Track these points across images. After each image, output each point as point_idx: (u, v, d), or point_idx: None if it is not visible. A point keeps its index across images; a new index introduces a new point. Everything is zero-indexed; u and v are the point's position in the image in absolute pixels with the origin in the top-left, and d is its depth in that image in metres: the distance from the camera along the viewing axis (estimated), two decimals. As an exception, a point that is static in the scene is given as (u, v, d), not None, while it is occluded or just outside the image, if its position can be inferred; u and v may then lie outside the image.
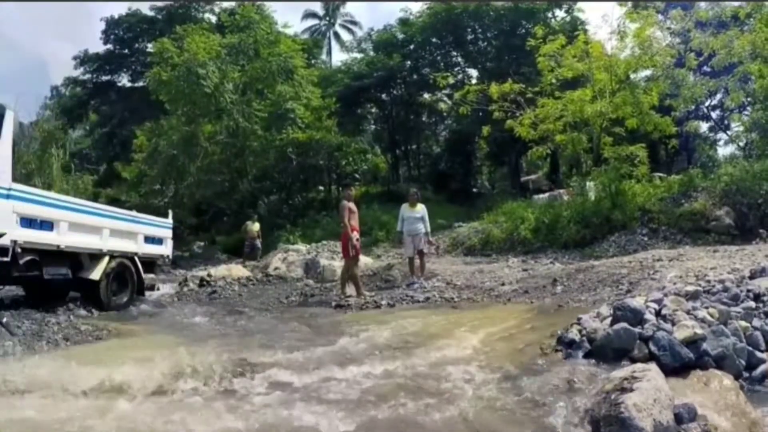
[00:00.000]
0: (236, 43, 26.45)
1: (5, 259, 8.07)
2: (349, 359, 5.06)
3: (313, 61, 35.36)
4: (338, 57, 46.55)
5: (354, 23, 49.27)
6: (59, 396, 4.18)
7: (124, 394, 4.29)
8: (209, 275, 14.34)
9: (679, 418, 3.32)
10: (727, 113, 26.00)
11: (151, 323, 8.95)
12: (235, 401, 4.18)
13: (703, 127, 31.07)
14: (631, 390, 3.31)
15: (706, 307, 4.88)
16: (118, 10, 37.70)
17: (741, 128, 20.51)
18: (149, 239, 11.71)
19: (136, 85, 38.23)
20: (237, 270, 15.19)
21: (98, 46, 38.74)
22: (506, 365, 4.58)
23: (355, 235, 10.68)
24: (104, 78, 39.10)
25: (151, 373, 4.69)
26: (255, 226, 19.97)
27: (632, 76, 19.37)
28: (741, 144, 20.71)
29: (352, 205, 11.00)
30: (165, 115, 27.91)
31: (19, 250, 8.27)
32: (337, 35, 49.42)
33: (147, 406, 4.12)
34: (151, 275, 11.81)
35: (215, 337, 6.96)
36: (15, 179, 8.52)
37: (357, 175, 32.12)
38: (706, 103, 29.59)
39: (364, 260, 13.38)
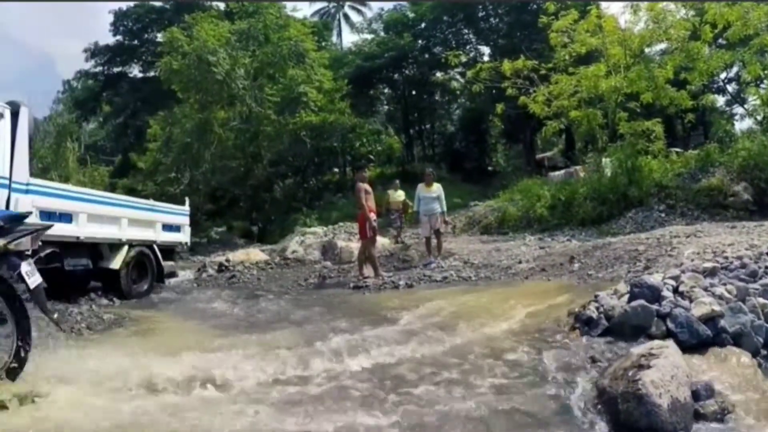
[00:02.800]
0: (245, 29, 26.42)
1: (27, 253, 8.20)
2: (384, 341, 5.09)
3: (323, 44, 35.24)
4: (349, 38, 46.50)
5: (363, 4, 48.98)
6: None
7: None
8: (227, 260, 14.44)
9: (696, 395, 3.33)
10: (744, 86, 25.61)
11: (173, 310, 9.04)
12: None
13: (720, 100, 30.77)
14: (649, 367, 3.33)
15: (724, 284, 4.87)
16: (126, 2, 37.60)
17: (758, 102, 20.17)
18: (167, 227, 11.82)
19: (147, 75, 38.35)
20: (255, 254, 15.28)
21: (106, 39, 38.85)
22: (524, 342, 4.60)
23: (373, 216, 10.70)
24: (115, 70, 39.25)
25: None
26: (399, 196, 16.22)
27: (646, 50, 19.13)
28: (758, 118, 20.40)
29: (367, 186, 11.01)
30: (178, 104, 27.98)
31: (39, 243, 8.41)
32: (346, 17, 49.09)
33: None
34: (170, 262, 11.91)
35: (245, 324, 7.02)
36: (32, 174, 8.65)
37: (371, 157, 32.10)
38: (722, 77, 29.27)
39: (381, 241, 13.41)
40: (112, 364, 4.60)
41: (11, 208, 7.98)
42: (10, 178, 8.05)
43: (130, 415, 3.58)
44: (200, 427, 3.40)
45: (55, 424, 3.41)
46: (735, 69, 27.07)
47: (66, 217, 9.06)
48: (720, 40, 20.35)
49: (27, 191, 8.28)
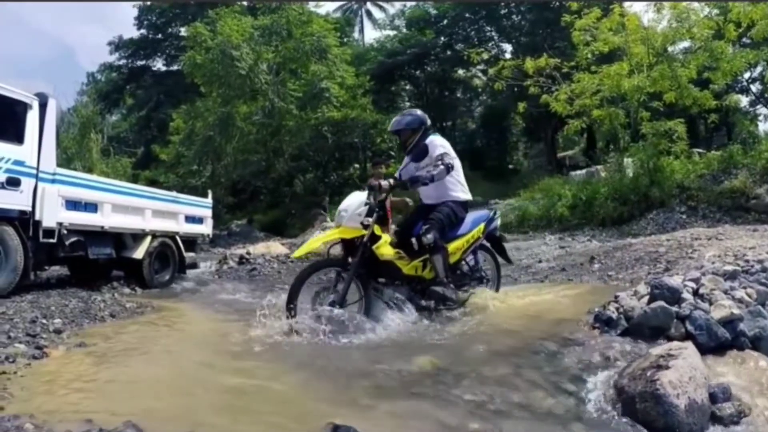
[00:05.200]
0: (269, 25, 26.56)
1: (52, 240, 8.41)
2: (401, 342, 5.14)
3: (345, 40, 35.32)
4: (371, 35, 46.57)
5: (386, 0, 48.94)
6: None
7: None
8: (248, 253, 14.56)
9: (713, 398, 3.35)
10: (768, 86, 25.37)
11: (194, 300, 9.15)
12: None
13: (744, 101, 30.45)
14: (667, 367, 3.35)
15: (744, 288, 4.85)
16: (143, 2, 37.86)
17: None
18: (189, 219, 11.98)
19: (171, 69, 38.76)
20: (275, 247, 15.38)
21: (127, 30, 39.40)
22: (544, 340, 4.63)
23: None
24: (139, 63, 39.75)
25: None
26: None
27: (669, 48, 18.99)
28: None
29: (382, 181, 11.05)
30: (200, 98, 28.23)
31: (65, 231, 8.64)
32: (369, 13, 49.15)
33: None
34: (192, 254, 12.08)
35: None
36: (57, 164, 8.83)
37: (392, 153, 32.12)
38: (746, 76, 28.95)
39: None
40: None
41: (38, 197, 8.15)
42: (37, 168, 8.23)
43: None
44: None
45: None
46: (759, 69, 26.79)
47: (91, 207, 9.27)
48: (744, 39, 20.14)
49: (53, 181, 8.49)
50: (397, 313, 5.49)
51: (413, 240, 5.75)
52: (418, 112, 6.36)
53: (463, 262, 6.29)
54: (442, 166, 5.68)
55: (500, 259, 6.89)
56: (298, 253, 6.22)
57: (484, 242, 6.53)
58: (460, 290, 6.05)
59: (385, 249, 5.65)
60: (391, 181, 5.81)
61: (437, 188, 6.00)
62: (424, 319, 5.51)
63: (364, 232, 5.53)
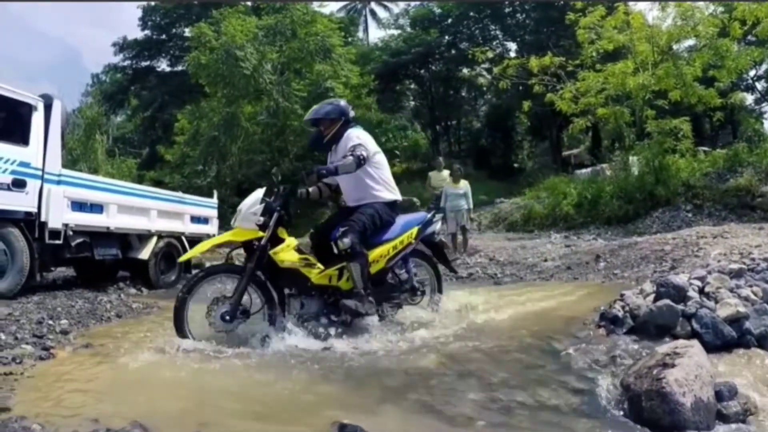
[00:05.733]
0: (273, 25, 26.54)
1: (58, 241, 8.45)
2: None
3: (350, 39, 35.29)
4: (375, 34, 46.42)
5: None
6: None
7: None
8: (254, 252, 14.50)
9: (719, 396, 3.34)
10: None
11: (200, 300, 9.16)
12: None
13: (749, 99, 30.38)
14: (673, 366, 3.34)
15: (750, 286, 4.84)
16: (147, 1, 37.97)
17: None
18: (195, 219, 12.02)
19: (175, 69, 38.84)
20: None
21: (132, 32, 39.44)
22: (549, 339, 4.63)
23: None
24: (143, 64, 39.85)
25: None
26: (443, 177, 14.13)
27: (674, 46, 18.96)
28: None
29: None
30: (205, 98, 28.26)
31: (70, 232, 8.68)
32: (373, 12, 49.06)
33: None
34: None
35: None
36: (63, 165, 8.86)
37: (397, 152, 32.11)
38: (751, 74, 28.87)
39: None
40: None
41: (44, 198, 8.19)
42: (43, 169, 8.27)
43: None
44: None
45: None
46: (764, 66, 26.74)
47: (97, 208, 9.31)
48: (749, 37, 20.09)
49: (59, 182, 8.53)
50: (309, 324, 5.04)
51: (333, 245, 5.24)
52: (341, 102, 5.84)
53: (392, 272, 5.65)
54: (351, 158, 5.10)
55: (443, 268, 6.27)
56: (184, 257, 5.69)
57: (425, 249, 6.02)
58: (388, 303, 5.52)
59: (286, 254, 5.10)
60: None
61: (358, 187, 5.52)
62: (333, 339, 4.84)
63: (261, 234, 5.02)
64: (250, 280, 4.95)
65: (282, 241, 5.13)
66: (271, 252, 5.00)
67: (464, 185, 12.46)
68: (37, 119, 8.29)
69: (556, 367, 4.02)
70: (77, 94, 41.06)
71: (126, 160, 35.11)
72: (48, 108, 8.51)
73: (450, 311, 5.83)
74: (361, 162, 5.13)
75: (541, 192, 19.68)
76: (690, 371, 3.29)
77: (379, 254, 5.38)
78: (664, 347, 3.73)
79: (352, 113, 5.75)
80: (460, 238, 12.34)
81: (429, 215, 5.94)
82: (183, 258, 5.36)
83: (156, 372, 4.07)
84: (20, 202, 7.86)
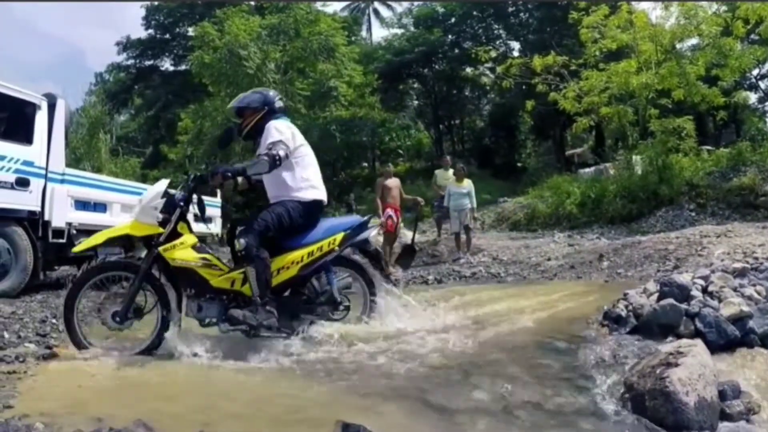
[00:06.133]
0: (276, 24, 26.53)
1: (61, 240, 8.47)
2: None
3: (353, 39, 35.27)
4: (378, 33, 46.51)
5: (393, -1, 48.86)
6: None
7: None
8: (258, 251, 14.47)
9: (723, 395, 3.34)
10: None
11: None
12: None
13: (752, 97, 30.35)
14: (677, 365, 3.34)
15: (754, 285, 4.84)
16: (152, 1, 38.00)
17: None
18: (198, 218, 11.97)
19: (178, 68, 38.85)
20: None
21: (136, 31, 39.47)
22: (553, 338, 4.63)
23: (387, 212, 10.79)
24: (147, 63, 39.87)
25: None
26: (448, 176, 14.00)
27: (678, 45, 18.92)
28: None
29: (389, 181, 11.12)
30: (208, 97, 28.24)
31: (74, 231, 8.69)
32: (376, 12, 49.01)
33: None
34: (201, 253, 12.04)
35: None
36: (66, 164, 8.89)
37: (401, 151, 32.14)
38: (755, 73, 28.83)
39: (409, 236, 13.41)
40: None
41: (47, 197, 8.20)
42: (46, 168, 8.29)
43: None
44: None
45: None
46: (768, 65, 26.69)
47: (100, 207, 9.34)
48: (752, 36, 20.05)
49: (63, 181, 8.57)
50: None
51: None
52: (269, 92, 5.41)
53: (309, 282, 5.03)
54: (265, 158, 4.65)
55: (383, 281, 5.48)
56: (78, 248, 4.97)
57: (358, 258, 5.45)
58: (306, 316, 4.94)
59: (180, 253, 4.61)
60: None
61: (276, 184, 5.06)
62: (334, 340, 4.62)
63: (160, 230, 4.61)
64: (143, 279, 4.58)
65: (179, 236, 4.69)
66: (160, 249, 4.57)
67: (468, 184, 12.45)
68: (40, 118, 8.32)
69: (559, 367, 4.02)
70: (81, 93, 41.04)
71: (129, 159, 35.12)
72: (51, 107, 8.54)
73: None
74: (276, 162, 4.70)
75: (545, 191, 19.66)
76: (693, 370, 3.29)
77: (291, 260, 4.86)
78: (668, 346, 3.73)
79: (279, 103, 5.32)
80: (463, 237, 12.33)
81: (362, 220, 5.38)
82: (77, 249, 4.60)
83: (160, 371, 4.08)
84: (24, 201, 7.89)
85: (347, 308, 5.16)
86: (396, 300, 5.29)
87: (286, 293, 5.00)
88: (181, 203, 4.70)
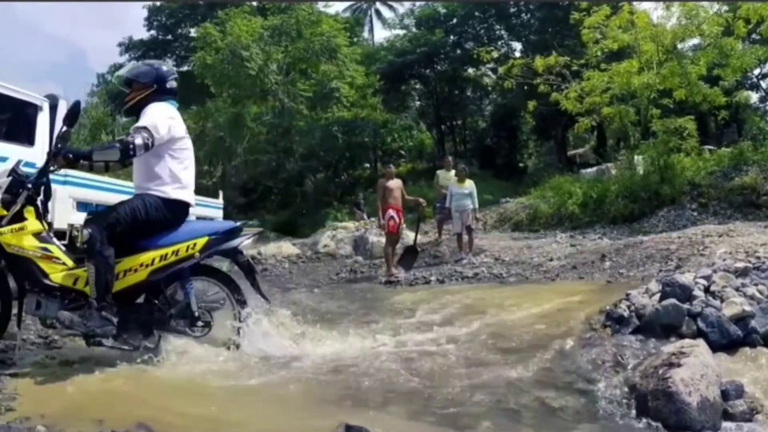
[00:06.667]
0: (278, 25, 26.58)
1: (63, 242, 8.44)
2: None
3: (355, 39, 35.29)
4: (380, 34, 46.43)
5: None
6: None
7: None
8: (259, 253, 14.54)
9: (725, 395, 3.34)
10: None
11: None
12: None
13: (754, 97, 30.30)
14: (679, 365, 3.34)
15: (756, 284, 4.83)
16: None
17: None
18: (201, 219, 12.00)
19: (180, 69, 38.75)
20: (286, 248, 15.38)
21: (138, 32, 39.49)
22: (555, 339, 4.63)
23: (389, 213, 10.76)
24: (149, 64, 39.83)
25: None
26: (450, 177, 13.70)
27: (679, 46, 18.88)
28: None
29: (390, 182, 11.10)
30: (210, 98, 28.31)
31: (76, 233, 8.66)
32: (378, 12, 49.01)
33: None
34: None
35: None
36: (68, 165, 8.87)
37: (402, 152, 32.14)
38: (756, 73, 28.79)
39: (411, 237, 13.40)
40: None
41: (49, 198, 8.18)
42: (48, 169, 8.26)
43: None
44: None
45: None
46: (769, 65, 26.67)
47: (102, 209, 9.28)
48: (754, 36, 20.02)
49: (64, 182, 8.53)
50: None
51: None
52: (163, 67, 4.84)
53: (162, 290, 4.45)
54: (117, 145, 4.14)
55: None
56: None
57: (233, 268, 4.96)
58: (158, 329, 4.43)
59: (18, 239, 4.03)
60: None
61: (142, 172, 4.48)
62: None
63: (3, 212, 4.07)
64: None
65: (21, 221, 4.12)
66: None
67: (469, 185, 12.43)
68: (42, 119, 8.31)
69: (561, 368, 4.02)
70: (83, 95, 40.95)
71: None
72: (53, 108, 8.52)
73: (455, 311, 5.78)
74: (129, 152, 4.09)
75: (547, 191, 19.63)
76: (696, 371, 3.29)
77: (140, 262, 4.26)
78: (670, 347, 3.73)
79: (172, 83, 4.72)
80: (465, 237, 12.30)
81: (233, 226, 4.75)
82: None
83: (161, 374, 4.08)
84: (25, 203, 7.88)
85: (208, 325, 4.59)
86: (270, 319, 4.75)
87: (139, 300, 4.47)
88: (29, 185, 4.18)
